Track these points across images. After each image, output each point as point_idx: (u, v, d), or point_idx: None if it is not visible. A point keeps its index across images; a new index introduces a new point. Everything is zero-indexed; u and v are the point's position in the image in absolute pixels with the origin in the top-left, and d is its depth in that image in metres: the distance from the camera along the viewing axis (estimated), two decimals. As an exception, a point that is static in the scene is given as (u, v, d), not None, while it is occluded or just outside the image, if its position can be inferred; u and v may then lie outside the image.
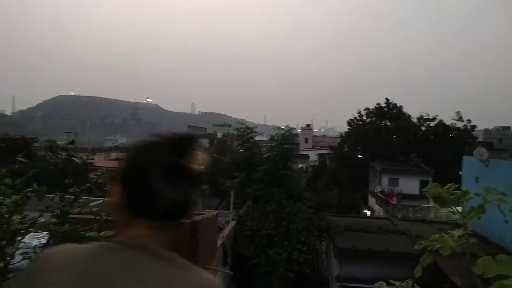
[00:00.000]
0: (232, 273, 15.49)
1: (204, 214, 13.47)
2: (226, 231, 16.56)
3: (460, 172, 20.96)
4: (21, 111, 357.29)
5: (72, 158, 2.49)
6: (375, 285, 2.64)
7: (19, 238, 1.87)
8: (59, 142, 1.94)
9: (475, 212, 1.82)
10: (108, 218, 2.37)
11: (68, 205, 2.11)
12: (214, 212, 15.71)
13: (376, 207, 31.52)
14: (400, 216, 23.74)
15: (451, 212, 2.00)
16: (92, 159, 43.15)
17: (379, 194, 31.41)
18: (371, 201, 34.06)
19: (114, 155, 61.82)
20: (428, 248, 2.46)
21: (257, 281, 16.41)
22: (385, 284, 2.58)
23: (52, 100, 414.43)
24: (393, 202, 27.59)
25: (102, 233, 2.02)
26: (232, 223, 18.05)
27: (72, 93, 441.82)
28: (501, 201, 1.65)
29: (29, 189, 1.91)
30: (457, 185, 1.80)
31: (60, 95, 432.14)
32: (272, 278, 15.93)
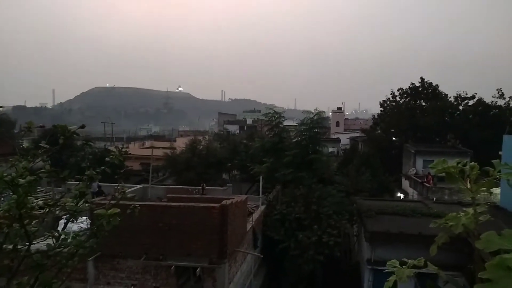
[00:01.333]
0: (261, 256, 15.77)
1: (233, 198, 13.76)
2: (256, 215, 16.81)
3: (500, 152, 19.95)
4: (61, 104, 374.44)
5: (89, 143, 2.62)
6: (388, 263, 2.63)
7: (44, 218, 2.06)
8: (70, 127, 2.07)
9: (484, 187, 1.77)
10: (121, 198, 2.50)
11: (85, 187, 2.26)
12: (244, 197, 15.99)
13: (410, 190, 30.74)
14: (435, 198, 23.05)
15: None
16: (127, 147, 44.90)
17: (413, 177, 30.56)
18: (405, 184, 33.23)
19: (148, 143, 63.85)
20: (441, 227, 2.41)
21: (287, 264, 16.61)
22: (398, 261, 2.56)
23: (89, 92, 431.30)
24: (429, 185, 26.78)
25: (109, 211, 2.14)
26: (262, 208, 18.27)
27: (107, 85, 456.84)
28: (509, 175, 1.59)
29: (41, 170, 2.05)
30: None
31: (96, 87, 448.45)
32: (302, 261, 16.05)
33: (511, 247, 1.37)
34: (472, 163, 1.75)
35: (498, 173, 1.67)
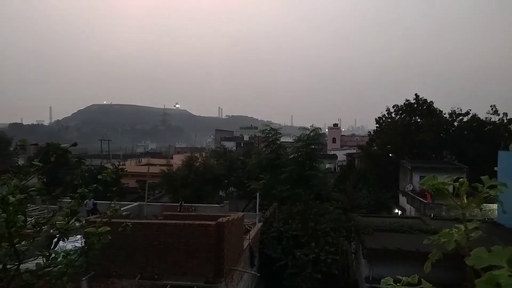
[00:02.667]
0: (259, 274, 15.55)
1: (230, 216, 13.65)
2: (253, 232, 16.65)
3: (496, 168, 20.06)
4: (58, 121, 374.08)
5: (82, 161, 2.63)
6: (382, 280, 2.61)
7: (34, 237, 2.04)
8: (62, 145, 2.07)
9: (474, 204, 1.78)
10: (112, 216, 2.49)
11: (76, 205, 2.24)
12: (240, 214, 15.86)
13: (408, 207, 30.63)
14: (432, 215, 22.97)
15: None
16: (124, 164, 44.72)
17: (410, 193, 30.50)
18: (402, 200, 33.13)
19: (145, 160, 63.69)
20: (434, 243, 2.41)
21: (285, 282, 16.36)
22: (392, 279, 2.54)
23: (86, 109, 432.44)
24: (427, 201, 26.68)
25: (100, 229, 2.12)
26: (259, 225, 18.13)
27: (105, 102, 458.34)
28: (498, 191, 1.60)
29: (32, 189, 2.04)
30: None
31: (93, 104, 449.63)
32: (300, 279, 15.84)
33: (500, 263, 1.37)
34: (462, 179, 1.77)
35: (487, 189, 1.69)
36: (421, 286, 2.54)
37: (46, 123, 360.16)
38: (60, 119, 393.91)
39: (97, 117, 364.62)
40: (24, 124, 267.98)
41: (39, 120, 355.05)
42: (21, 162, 2.43)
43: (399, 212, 31.24)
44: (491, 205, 21.21)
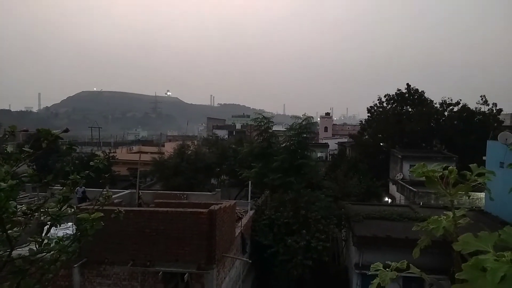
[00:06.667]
0: (250, 261, 15.72)
1: (222, 203, 13.70)
2: (245, 220, 16.77)
3: (485, 157, 20.35)
4: (47, 108, 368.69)
5: (73, 147, 2.61)
6: (372, 266, 2.66)
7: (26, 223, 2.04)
8: (53, 131, 2.05)
9: (462, 191, 1.81)
10: (105, 203, 2.48)
11: (69, 191, 2.23)
12: (232, 202, 15.93)
13: (398, 195, 31.05)
14: (421, 203, 23.33)
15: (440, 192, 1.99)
16: (115, 152, 44.43)
17: (400, 182, 30.90)
18: (392, 188, 33.56)
19: (136, 148, 63.31)
20: (423, 230, 2.46)
21: (276, 269, 16.58)
22: (381, 264, 2.60)
23: (76, 96, 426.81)
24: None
25: (93, 215, 2.13)
26: (251, 213, 18.24)
27: (95, 89, 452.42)
28: (485, 178, 1.64)
29: (24, 175, 2.03)
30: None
31: (83, 91, 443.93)
32: (291, 266, 16.05)
33: (487, 248, 1.41)
34: (450, 167, 1.80)
35: (476, 177, 1.72)
36: (410, 271, 2.60)
37: (35, 109, 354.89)
38: (49, 105, 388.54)
39: (87, 104, 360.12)
40: (12, 110, 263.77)
41: (27, 106, 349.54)
42: (9, 149, 2.40)
43: (389, 200, 31.68)
44: (478, 193, 21.60)
